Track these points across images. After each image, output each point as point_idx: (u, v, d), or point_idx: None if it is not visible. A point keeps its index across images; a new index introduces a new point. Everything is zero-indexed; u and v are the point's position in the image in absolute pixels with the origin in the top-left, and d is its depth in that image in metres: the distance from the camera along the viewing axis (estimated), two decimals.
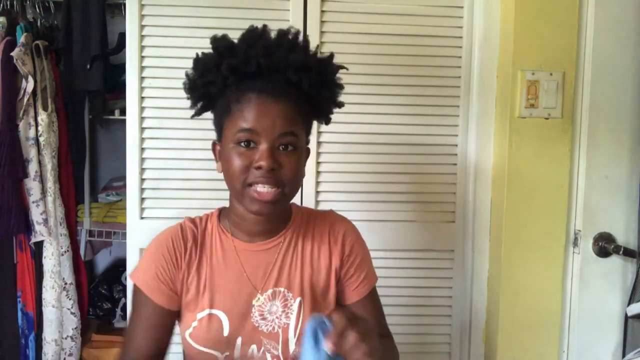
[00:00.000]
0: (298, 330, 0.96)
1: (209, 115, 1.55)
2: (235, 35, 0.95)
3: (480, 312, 1.63)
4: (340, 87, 1.00)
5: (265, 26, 0.95)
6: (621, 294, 1.53)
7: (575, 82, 1.51)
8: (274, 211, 0.93)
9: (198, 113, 1.01)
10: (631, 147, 1.51)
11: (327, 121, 1.03)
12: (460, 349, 1.67)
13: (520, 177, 1.51)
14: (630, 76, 1.50)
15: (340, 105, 1.01)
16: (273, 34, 0.95)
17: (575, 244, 1.54)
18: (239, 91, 0.91)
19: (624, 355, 1.47)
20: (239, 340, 0.96)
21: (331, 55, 0.98)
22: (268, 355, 0.96)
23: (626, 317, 1.48)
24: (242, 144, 0.90)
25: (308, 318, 0.93)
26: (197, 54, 0.98)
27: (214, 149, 1.02)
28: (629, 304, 1.47)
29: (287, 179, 0.91)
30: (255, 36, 0.94)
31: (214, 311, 0.96)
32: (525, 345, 1.54)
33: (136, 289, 0.98)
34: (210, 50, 0.96)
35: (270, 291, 0.98)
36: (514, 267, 1.53)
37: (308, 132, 0.98)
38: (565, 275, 1.54)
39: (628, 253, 1.46)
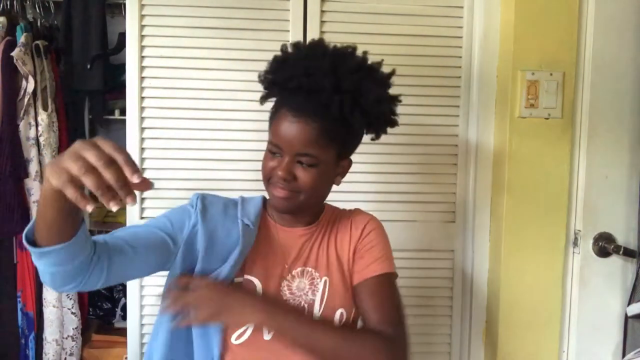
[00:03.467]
0: (322, 307, 1.04)
1: (209, 115, 1.56)
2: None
3: (481, 312, 1.63)
4: (386, 113, 1.08)
5: (327, 44, 1.04)
6: (621, 294, 1.53)
7: (575, 82, 1.51)
8: (290, 209, 1.04)
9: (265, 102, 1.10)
10: (631, 147, 1.51)
11: (376, 137, 1.11)
12: (460, 349, 1.67)
13: (520, 177, 1.51)
14: (630, 76, 1.50)
15: (389, 124, 1.10)
16: (331, 50, 1.03)
17: (575, 244, 1.54)
18: (280, 102, 1.02)
19: (624, 355, 1.47)
20: None
21: (386, 80, 1.08)
22: None
23: (626, 317, 1.48)
24: (273, 152, 1.01)
25: (332, 297, 1.04)
26: (275, 56, 1.06)
27: None
28: (629, 304, 1.47)
29: (302, 189, 1.01)
30: (304, 53, 1.03)
31: (251, 277, 1.04)
32: (525, 345, 1.54)
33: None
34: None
35: (299, 269, 1.07)
36: (514, 267, 1.53)
37: (344, 149, 1.05)
38: (565, 275, 1.55)
39: (628, 253, 1.46)
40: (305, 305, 1.04)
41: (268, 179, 1.03)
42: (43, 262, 0.81)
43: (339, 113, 0.97)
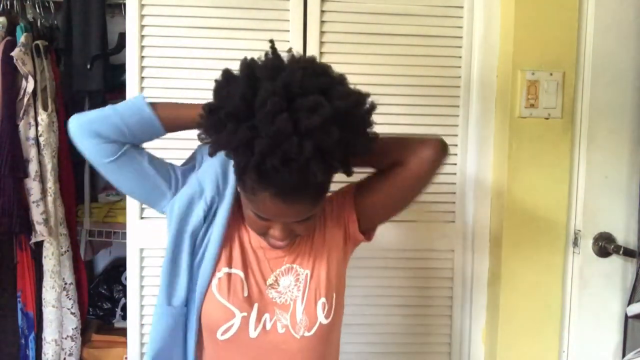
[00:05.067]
0: (304, 300, 1.03)
1: None
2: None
3: (481, 312, 1.63)
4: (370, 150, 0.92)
5: (287, 108, 0.81)
6: (621, 294, 1.53)
7: (575, 82, 1.51)
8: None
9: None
10: (631, 147, 1.51)
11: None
12: (460, 349, 1.67)
13: (520, 177, 1.51)
14: (630, 76, 1.50)
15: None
16: (299, 114, 0.81)
17: (575, 244, 1.54)
18: (253, 178, 0.86)
19: (624, 355, 1.47)
20: (256, 305, 1.02)
21: (361, 128, 0.90)
22: (278, 325, 1.02)
23: (626, 317, 1.48)
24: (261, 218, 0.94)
25: (314, 289, 1.03)
26: (211, 107, 0.89)
27: None
28: (629, 304, 1.47)
29: (301, 234, 1.00)
30: (272, 137, 0.81)
31: (237, 271, 1.03)
32: (525, 345, 1.54)
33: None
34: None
35: (284, 267, 1.05)
36: (514, 267, 1.53)
37: (327, 191, 0.99)
38: (565, 275, 1.54)
39: (628, 253, 1.46)
40: (291, 303, 1.03)
41: (262, 234, 0.99)
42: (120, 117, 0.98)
43: (329, 176, 0.91)
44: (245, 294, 1.02)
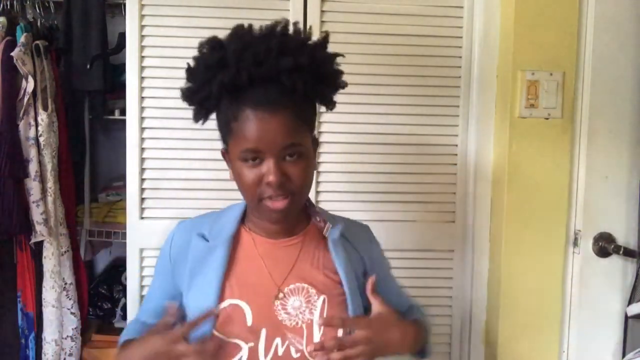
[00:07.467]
0: (322, 327, 0.96)
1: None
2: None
3: (481, 313, 1.63)
4: (340, 73, 0.98)
5: (250, 27, 0.93)
6: (621, 294, 1.53)
7: (575, 82, 1.51)
8: (288, 216, 0.96)
9: (202, 119, 0.98)
10: (631, 148, 1.51)
11: (332, 107, 1.00)
12: (460, 349, 1.67)
13: (520, 177, 1.51)
14: (630, 76, 1.50)
15: (343, 86, 1.00)
16: (262, 31, 0.93)
17: (575, 244, 1.54)
18: (234, 105, 0.91)
19: (624, 355, 1.47)
20: (264, 331, 0.96)
21: (324, 43, 0.97)
22: (292, 349, 0.96)
23: (626, 317, 1.48)
24: (249, 161, 0.91)
25: (331, 315, 0.96)
26: (188, 65, 0.96)
27: (224, 157, 1.00)
28: (629, 304, 1.47)
29: (297, 187, 0.92)
30: (242, 42, 0.90)
31: (235, 301, 0.97)
32: (525, 345, 1.54)
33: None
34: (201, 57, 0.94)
35: (292, 286, 0.98)
36: (514, 267, 1.53)
37: (313, 127, 0.98)
38: (565, 275, 1.54)
39: (628, 253, 1.46)
40: (304, 326, 0.96)
41: (259, 196, 0.92)
42: None
43: (304, 91, 0.90)
44: (249, 323, 0.96)
